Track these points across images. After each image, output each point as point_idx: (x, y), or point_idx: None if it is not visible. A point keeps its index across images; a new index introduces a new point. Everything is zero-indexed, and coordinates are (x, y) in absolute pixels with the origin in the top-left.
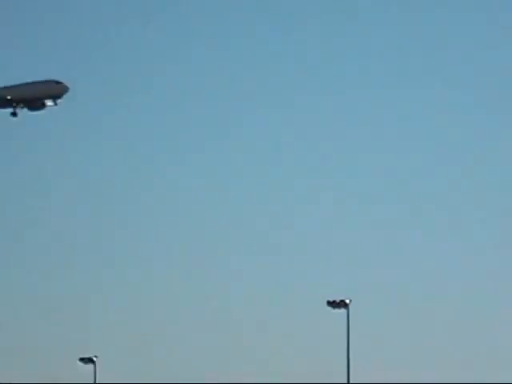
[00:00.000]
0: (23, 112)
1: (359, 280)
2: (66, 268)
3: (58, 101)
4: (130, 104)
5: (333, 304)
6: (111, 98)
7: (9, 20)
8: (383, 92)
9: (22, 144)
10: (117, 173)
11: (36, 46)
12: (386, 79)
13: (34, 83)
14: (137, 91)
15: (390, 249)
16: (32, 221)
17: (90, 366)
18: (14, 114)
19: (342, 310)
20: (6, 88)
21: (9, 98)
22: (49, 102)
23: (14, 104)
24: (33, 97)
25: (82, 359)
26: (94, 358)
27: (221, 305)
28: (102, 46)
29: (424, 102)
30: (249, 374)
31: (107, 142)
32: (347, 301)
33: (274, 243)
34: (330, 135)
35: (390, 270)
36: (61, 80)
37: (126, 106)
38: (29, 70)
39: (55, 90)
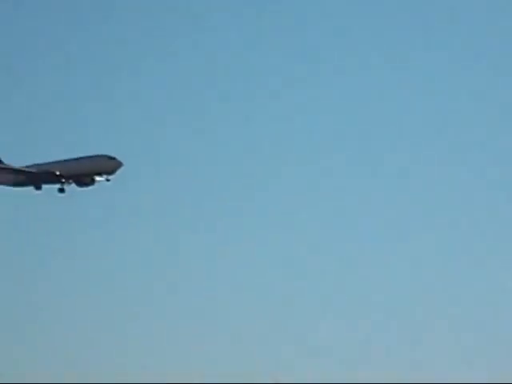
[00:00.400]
0: (71, 187)
1: None
2: None
3: (111, 177)
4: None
5: None
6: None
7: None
8: None
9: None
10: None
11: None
12: None
13: (85, 158)
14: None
15: None
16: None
17: None
18: (61, 191)
19: None
20: (57, 163)
21: (58, 173)
22: (99, 178)
23: (64, 180)
24: (84, 172)
25: None
26: None
27: None
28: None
29: None
30: None
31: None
32: None
33: None
34: None
35: None
36: (113, 155)
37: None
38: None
39: (108, 166)
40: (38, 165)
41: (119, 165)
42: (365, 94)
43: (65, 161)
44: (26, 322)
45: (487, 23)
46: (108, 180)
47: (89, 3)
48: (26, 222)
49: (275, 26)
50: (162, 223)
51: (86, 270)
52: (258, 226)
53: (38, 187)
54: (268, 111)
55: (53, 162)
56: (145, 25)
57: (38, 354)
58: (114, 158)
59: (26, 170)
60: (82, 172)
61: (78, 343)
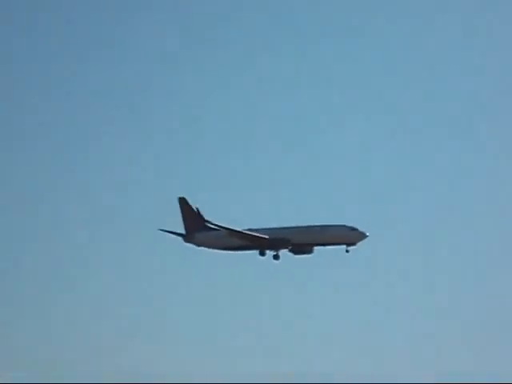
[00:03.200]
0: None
1: None
2: None
3: (351, 248)
4: None
5: None
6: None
7: None
8: None
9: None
10: None
11: None
12: None
13: (323, 227)
14: None
15: None
16: None
17: None
18: (276, 257)
19: None
20: (289, 230)
21: (292, 241)
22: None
23: (293, 248)
24: (321, 242)
25: None
26: None
27: None
28: None
29: None
30: None
31: None
32: None
33: None
34: None
35: None
36: (356, 226)
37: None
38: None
39: (351, 238)
40: (267, 230)
41: (363, 236)
42: None
43: (297, 228)
44: None
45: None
46: (347, 251)
47: None
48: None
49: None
50: None
51: None
52: None
53: (263, 253)
54: None
55: (283, 228)
56: None
57: None
58: (355, 229)
59: (260, 235)
60: (318, 241)
61: None
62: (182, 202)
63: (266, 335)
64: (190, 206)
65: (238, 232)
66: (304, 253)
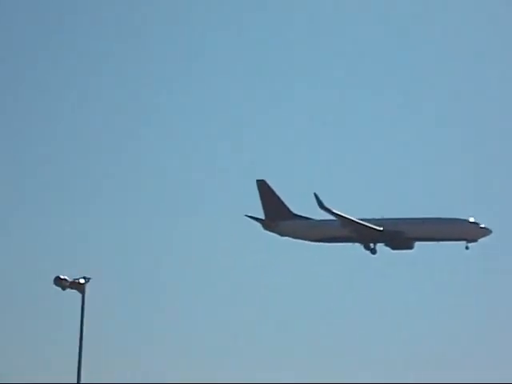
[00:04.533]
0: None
1: None
2: None
3: (472, 244)
4: None
5: None
6: None
7: None
8: None
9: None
10: None
11: None
12: None
13: (440, 220)
14: None
15: None
16: None
17: None
18: (373, 251)
19: None
20: (404, 221)
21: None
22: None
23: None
24: (438, 237)
25: None
26: None
27: None
28: None
29: None
30: None
31: None
32: None
33: None
34: None
35: None
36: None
37: None
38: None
39: (472, 233)
40: (379, 220)
41: (486, 233)
42: None
43: (413, 219)
44: None
45: None
46: (467, 248)
47: None
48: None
49: None
50: None
51: None
52: None
53: (369, 247)
54: None
55: (397, 220)
56: None
57: None
58: (476, 224)
59: (375, 227)
60: (435, 236)
61: None
62: (262, 185)
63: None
64: (271, 190)
65: (355, 222)
66: (404, 248)
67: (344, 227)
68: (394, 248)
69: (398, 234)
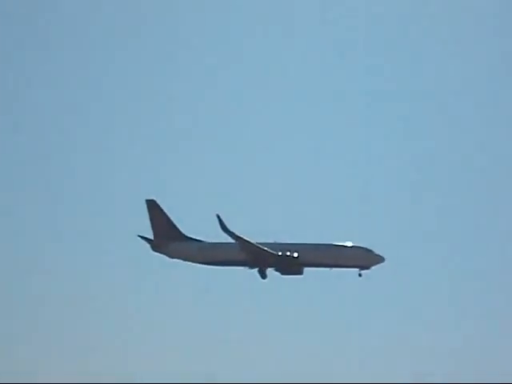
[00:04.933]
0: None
1: None
2: None
3: (364, 271)
4: None
5: None
6: None
7: None
8: None
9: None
10: None
11: None
12: None
13: (337, 247)
14: None
15: None
16: None
17: None
18: (263, 275)
19: None
20: (299, 246)
21: (296, 256)
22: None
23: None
24: (331, 263)
25: None
26: None
27: None
28: None
29: None
30: None
31: None
32: None
33: None
34: None
35: None
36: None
37: None
38: None
39: (366, 260)
40: (272, 244)
41: (380, 260)
42: None
43: (306, 245)
44: None
45: None
46: (360, 275)
47: None
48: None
49: None
50: None
51: None
52: None
53: (262, 273)
54: None
55: (291, 244)
56: None
57: None
58: (371, 251)
59: (269, 250)
60: (330, 262)
61: None
62: (152, 205)
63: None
64: (161, 210)
65: (256, 247)
66: (294, 273)
67: (242, 251)
68: (284, 273)
69: (293, 260)
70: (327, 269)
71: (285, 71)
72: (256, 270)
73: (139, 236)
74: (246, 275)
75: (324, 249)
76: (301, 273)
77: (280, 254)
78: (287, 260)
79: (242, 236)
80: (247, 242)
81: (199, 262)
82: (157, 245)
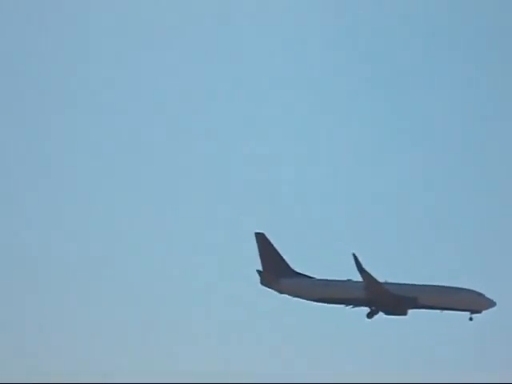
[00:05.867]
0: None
1: None
2: None
3: (475, 315)
4: None
5: None
6: None
7: None
8: None
9: None
10: None
11: None
12: None
13: (449, 289)
14: None
15: None
16: None
17: None
18: (371, 315)
19: None
20: (415, 287)
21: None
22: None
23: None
24: (444, 306)
25: None
26: None
27: None
28: None
29: None
30: None
31: None
32: None
33: None
34: None
35: None
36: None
37: None
38: None
39: (478, 304)
40: (388, 284)
41: (492, 304)
42: None
43: (419, 286)
44: None
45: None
46: (471, 319)
47: None
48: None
49: None
50: None
51: None
52: None
53: (372, 313)
54: None
55: (407, 285)
56: None
57: None
58: (482, 295)
59: (393, 292)
60: (444, 304)
61: None
62: (261, 238)
63: None
64: (270, 244)
65: (383, 287)
66: (398, 314)
67: (367, 290)
68: (388, 313)
69: (412, 302)
70: (431, 310)
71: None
72: (367, 308)
73: (257, 271)
74: (351, 313)
75: (440, 291)
76: (405, 313)
77: (402, 295)
78: (407, 302)
79: (375, 277)
80: (377, 282)
81: (310, 299)
82: (266, 279)
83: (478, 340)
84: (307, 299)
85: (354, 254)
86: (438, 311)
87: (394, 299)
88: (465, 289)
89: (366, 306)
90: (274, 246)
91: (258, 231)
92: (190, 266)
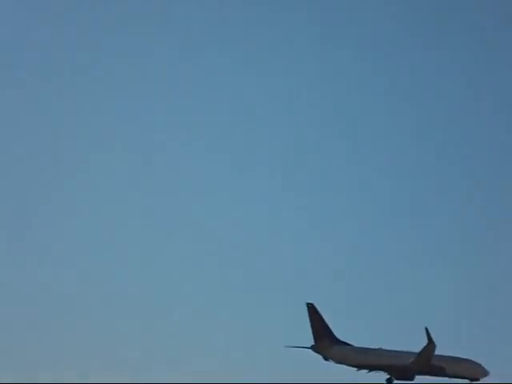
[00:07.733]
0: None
1: None
2: None
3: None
4: None
5: None
6: None
7: None
8: None
9: None
10: None
11: None
12: None
13: (458, 359)
14: None
15: None
16: None
17: None
18: (390, 381)
19: None
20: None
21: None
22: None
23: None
24: (455, 373)
25: None
26: None
27: None
28: None
29: None
30: None
31: None
32: None
33: None
34: None
35: None
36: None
37: None
38: None
39: (475, 373)
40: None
41: (486, 374)
42: None
43: (441, 356)
44: None
45: None
46: None
47: None
48: None
49: None
50: None
51: None
52: None
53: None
54: None
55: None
56: None
57: None
58: (480, 365)
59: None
60: (450, 373)
61: None
62: (311, 308)
63: None
64: (319, 314)
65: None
66: (406, 379)
67: (422, 359)
68: (397, 378)
69: (439, 370)
70: (435, 377)
71: None
72: (386, 374)
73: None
74: (371, 376)
75: (449, 361)
76: (413, 379)
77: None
78: (435, 370)
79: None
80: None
81: (352, 365)
82: (318, 347)
83: None
84: (347, 365)
85: (426, 329)
86: (446, 378)
87: (435, 369)
88: (467, 359)
89: (388, 372)
90: (322, 315)
91: (309, 302)
92: None
